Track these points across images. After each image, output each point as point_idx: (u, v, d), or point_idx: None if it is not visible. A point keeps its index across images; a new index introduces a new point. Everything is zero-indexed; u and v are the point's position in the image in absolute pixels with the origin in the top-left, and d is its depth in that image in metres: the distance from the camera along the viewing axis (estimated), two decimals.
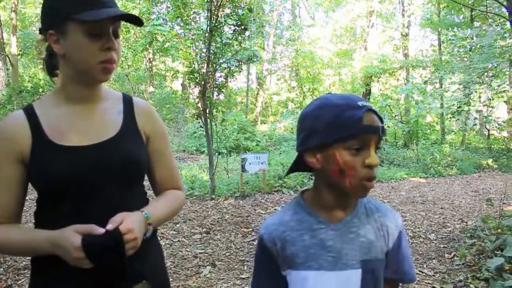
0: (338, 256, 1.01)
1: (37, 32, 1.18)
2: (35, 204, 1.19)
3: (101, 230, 1.02)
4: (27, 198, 1.20)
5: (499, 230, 4.42)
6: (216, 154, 9.12)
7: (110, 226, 1.03)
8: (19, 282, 3.49)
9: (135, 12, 17.08)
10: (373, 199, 1.13)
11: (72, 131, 1.15)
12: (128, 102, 1.28)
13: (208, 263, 4.04)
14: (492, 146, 14.85)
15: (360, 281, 1.02)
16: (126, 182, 1.20)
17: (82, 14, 1.06)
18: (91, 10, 1.07)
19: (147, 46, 17.31)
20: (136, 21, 1.14)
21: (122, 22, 1.16)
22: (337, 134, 0.94)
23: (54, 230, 1.06)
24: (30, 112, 1.15)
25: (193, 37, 7.31)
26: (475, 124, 16.19)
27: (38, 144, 1.12)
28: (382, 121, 0.98)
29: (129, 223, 1.04)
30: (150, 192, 1.38)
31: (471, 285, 3.45)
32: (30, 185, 1.17)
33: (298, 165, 1.11)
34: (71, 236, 1.01)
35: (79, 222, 1.05)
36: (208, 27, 6.58)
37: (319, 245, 1.02)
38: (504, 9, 5.22)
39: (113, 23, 1.12)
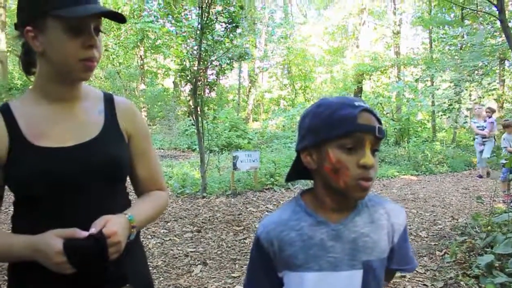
0: (339, 257, 0.99)
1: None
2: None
3: (84, 234, 0.98)
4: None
5: (489, 228, 4.45)
6: (208, 152, 9.08)
7: (93, 230, 0.99)
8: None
9: (126, 9, 17.00)
10: (374, 195, 1.10)
11: (52, 131, 1.11)
12: (109, 101, 1.23)
13: (199, 262, 4.01)
14: None
15: (361, 282, 0.99)
16: (109, 184, 1.16)
17: (63, 10, 1.01)
18: (73, 6, 1.02)
19: (138, 43, 17.26)
20: (118, 18, 1.10)
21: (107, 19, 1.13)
22: (330, 132, 0.93)
23: (33, 234, 1.02)
24: (6, 112, 1.10)
25: (184, 34, 7.29)
26: (466, 122, 16.32)
27: (16, 146, 1.07)
28: (380, 122, 0.95)
29: (113, 226, 1.01)
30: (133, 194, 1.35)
31: (462, 282, 3.47)
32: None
33: (297, 170, 1.08)
34: (51, 241, 0.97)
35: (60, 226, 1.01)
36: (199, 24, 6.54)
37: (319, 246, 0.99)
38: (494, 8, 5.23)
39: (95, 20, 1.08)
